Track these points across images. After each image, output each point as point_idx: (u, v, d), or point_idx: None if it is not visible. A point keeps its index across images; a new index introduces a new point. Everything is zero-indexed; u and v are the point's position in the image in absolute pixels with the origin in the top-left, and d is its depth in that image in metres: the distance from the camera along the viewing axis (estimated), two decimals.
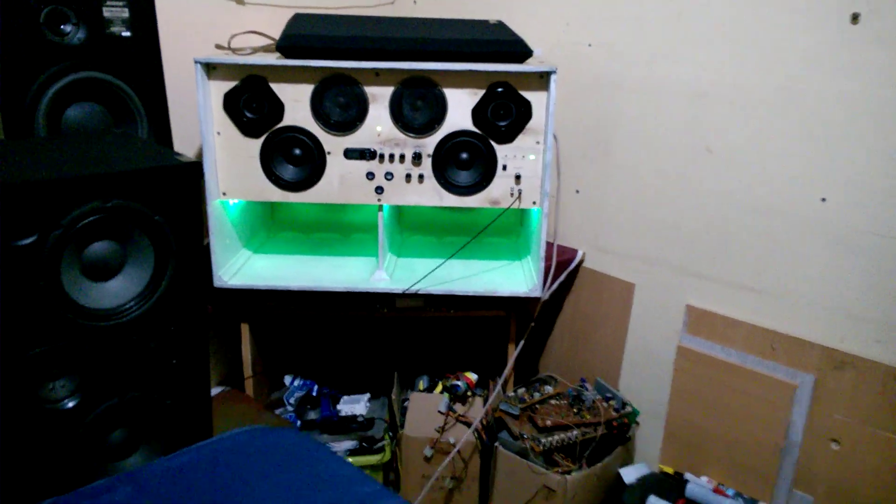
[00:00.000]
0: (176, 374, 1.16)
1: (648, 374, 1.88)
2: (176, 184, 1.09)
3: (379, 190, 1.63)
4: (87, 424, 1.09)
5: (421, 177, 1.61)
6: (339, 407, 1.99)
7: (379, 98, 1.56)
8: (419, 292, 1.66)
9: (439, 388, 1.95)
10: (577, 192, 1.96)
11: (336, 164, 1.61)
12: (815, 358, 1.54)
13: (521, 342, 1.82)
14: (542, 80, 1.54)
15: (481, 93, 1.55)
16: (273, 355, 2.00)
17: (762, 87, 1.54)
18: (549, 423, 1.71)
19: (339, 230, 2.07)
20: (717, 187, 1.65)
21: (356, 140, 1.59)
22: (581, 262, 1.99)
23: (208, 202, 1.59)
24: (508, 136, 1.58)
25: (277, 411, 1.95)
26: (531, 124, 1.57)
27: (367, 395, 2.05)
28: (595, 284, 1.97)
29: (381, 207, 1.65)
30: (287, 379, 2.05)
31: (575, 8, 1.86)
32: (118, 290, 1.10)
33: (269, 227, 2.03)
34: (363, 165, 1.61)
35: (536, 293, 1.65)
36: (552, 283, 1.86)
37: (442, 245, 1.98)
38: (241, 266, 1.76)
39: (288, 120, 1.58)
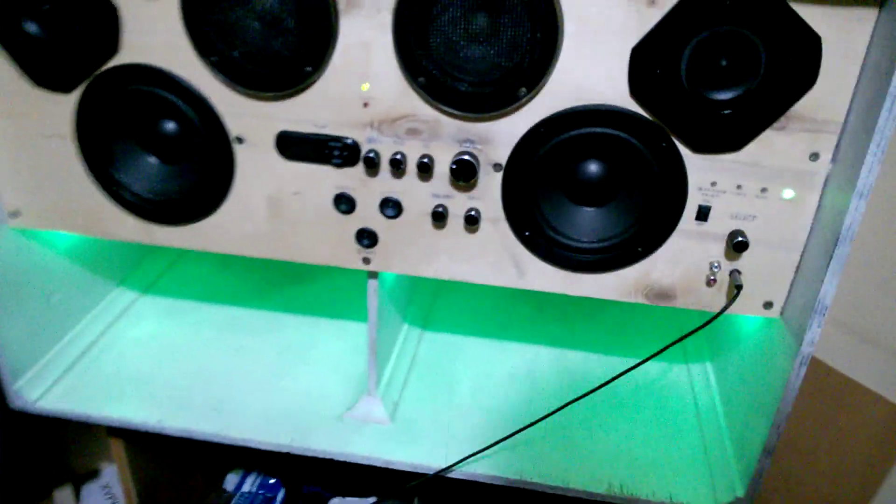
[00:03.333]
0: None
1: None
2: None
3: (365, 240, 0.64)
4: None
5: (473, 218, 0.61)
6: None
7: None
8: (449, 475, 0.70)
9: None
10: None
11: (259, 168, 0.63)
12: None
13: None
14: None
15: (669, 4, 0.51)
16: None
17: None
18: None
19: None
20: None
21: (306, 109, 0.60)
22: None
23: None
24: (739, 132, 0.55)
25: None
26: (810, 101, 0.53)
27: (371, 501, 1.17)
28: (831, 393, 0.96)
29: (373, 275, 0.68)
30: (230, 480, 1.19)
31: None
32: None
33: None
34: (326, 175, 0.62)
35: None
36: None
37: (538, 324, 0.99)
38: (88, 346, 0.83)
39: (130, 49, 0.60)
